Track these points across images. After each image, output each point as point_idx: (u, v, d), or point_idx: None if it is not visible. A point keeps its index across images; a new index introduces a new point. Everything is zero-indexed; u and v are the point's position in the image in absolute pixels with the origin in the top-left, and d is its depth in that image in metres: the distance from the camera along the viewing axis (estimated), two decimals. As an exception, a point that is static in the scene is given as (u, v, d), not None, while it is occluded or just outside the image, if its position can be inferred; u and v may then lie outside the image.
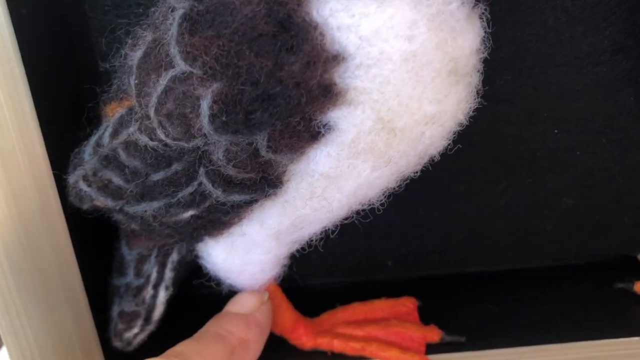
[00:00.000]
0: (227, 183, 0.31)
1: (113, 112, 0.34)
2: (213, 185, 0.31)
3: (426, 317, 0.46)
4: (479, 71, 0.32)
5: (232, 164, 0.30)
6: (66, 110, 0.39)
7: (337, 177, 0.31)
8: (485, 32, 0.31)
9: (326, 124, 0.29)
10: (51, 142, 0.37)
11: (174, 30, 0.29)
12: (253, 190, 0.32)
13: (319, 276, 0.51)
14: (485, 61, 0.33)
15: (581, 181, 0.48)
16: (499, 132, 0.46)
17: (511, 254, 0.51)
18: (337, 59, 0.28)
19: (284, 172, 0.31)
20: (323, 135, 0.30)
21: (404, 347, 0.43)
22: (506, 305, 0.48)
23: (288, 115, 0.28)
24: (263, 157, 0.30)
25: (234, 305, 0.40)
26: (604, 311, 0.47)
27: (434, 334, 0.44)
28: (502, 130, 0.46)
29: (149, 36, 0.31)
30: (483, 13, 0.31)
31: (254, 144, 0.29)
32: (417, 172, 0.35)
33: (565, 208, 0.49)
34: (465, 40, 0.30)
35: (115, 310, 0.43)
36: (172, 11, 0.30)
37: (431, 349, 0.44)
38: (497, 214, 0.49)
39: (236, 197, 0.32)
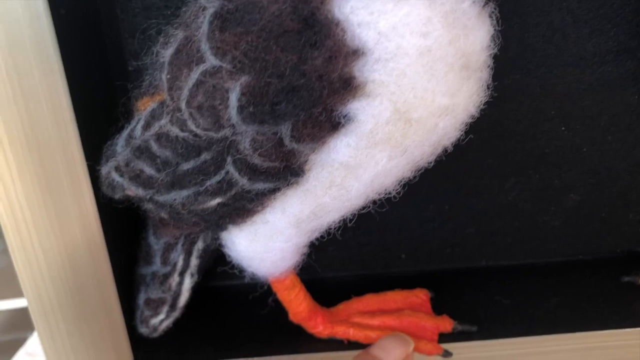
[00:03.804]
0: (253, 171, 0.33)
1: (145, 106, 0.37)
2: (239, 174, 0.33)
3: (438, 308, 0.48)
4: (489, 67, 0.34)
5: (257, 152, 0.32)
6: (99, 105, 0.42)
7: (355, 166, 0.33)
8: (495, 29, 0.33)
9: (346, 115, 0.31)
10: (85, 134, 0.39)
11: (205, 27, 0.31)
12: (277, 178, 0.34)
13: (335, 269, 0.53)
14: (493, 61, 0.35)
15: (588, 178, 0.50)
16: (507, 130, 0.48)
17: (520, 248, 0.53)
18: (357, 53, 0.30)
19: (306, 161, 0.33)
20: (343, 125, 0.32)
21: (418, 336, 0.45)
22: (515, 298, 0.49)
23: (311, 106, 0.30)
24: (287, 146, 0.32)
25: (381, 352, 0.39)
26: (610, 303, 0.48)
27: (447, 324, 0.46)
28: (511, 128, 0.48)
29: (180, 34, 0.33)
30: (493, 12, 0.33)
31: (279, 134, 0.31)
32: (431, 163, 0.36)
33: (572, 204, 0.51)
34: (476, 36, 0.32)
35: (141, 298, 0.45)
36: (203, 10, 0.32)
37: (444, 338, 0.45)
38: (505, 210, 0.51)
39: (260, 185, 0.34)
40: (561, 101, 0.47)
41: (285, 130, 0.31)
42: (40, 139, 0.37)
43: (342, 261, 0.52)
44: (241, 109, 0.31)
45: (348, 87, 0.30)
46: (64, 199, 0.39)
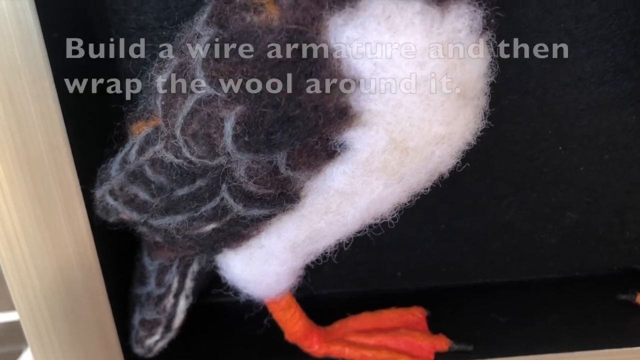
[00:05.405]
0: (248, 198, 0.33)
1: (139, 130, 0.36)
2: (234, 201, 0.33)
3: (435, 326, 0.47)
4: (486, 94, 0.34)
5: (253, 180, 0.32)
6: (93, 127, 0.41)
7: (351, 193, 0.33)
8: (492, 57, 0.33)
9: (342, 144, 0.31)
10: (79, 158, 0.38)
11: (199, 55, 0.31)
12: (272, 205, 0.33)
13: (330, 286, 0.53)
14: (491, 82, 0.34)
15: (584, 196, 0.50)
16: (505, 150, 0.47)
17: (517, 266, 0.52)
18: (352, 83, 0.30)
19: (302, 188, 0.33)
20: (339, 154, 0.31)
21: (414, 356, 0.45)
22: (512, 316, 0.49)
23: (306, 136, 0.30)
24: (282, 174, 0.32)
25: None
26: (607, 321, 0.48)
27: (443, 343, 0.46)
28: (508, 148, 0.47)
29: (175, 60, 0.33)
30: (490, 39, 0.33)
31: (274, 162, 0.31)
32: (427, 189, 0.36)
33: (569, 222, 0.51)
34: (473, 65, 0.32)
35: (136, 319, 0.45)
36: (197, 37, 0.32)
37: (440, 357, 0.45)
38: (503, 228, 0.51)
39: (256, 212, 0.34)
40: (559, 121, 0.46)
41: (280, 158, 0.31)
42: (32, 161, 0.37)
43: (338, 279, 0.52)
44: (236, 138, 0.30)
45: (344, 116, 0.30)
46: (57, 220, 0.39)
